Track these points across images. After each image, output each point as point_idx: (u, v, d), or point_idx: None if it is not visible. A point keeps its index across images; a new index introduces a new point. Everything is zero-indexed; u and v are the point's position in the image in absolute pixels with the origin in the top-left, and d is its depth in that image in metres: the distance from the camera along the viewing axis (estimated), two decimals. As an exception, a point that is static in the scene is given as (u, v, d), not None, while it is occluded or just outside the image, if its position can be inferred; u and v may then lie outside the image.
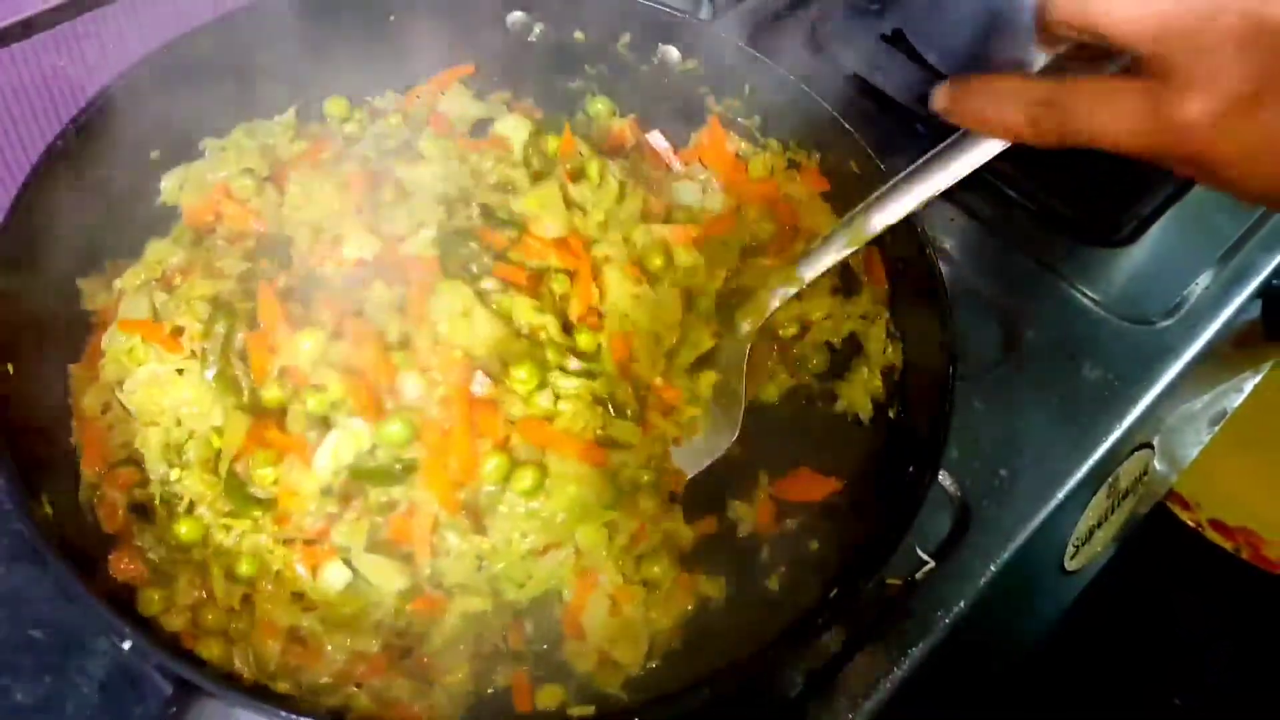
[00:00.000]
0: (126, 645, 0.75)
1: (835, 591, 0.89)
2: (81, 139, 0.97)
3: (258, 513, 0.90)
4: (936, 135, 0.92)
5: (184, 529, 0.90)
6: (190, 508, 0.91)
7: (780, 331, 1.08)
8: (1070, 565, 1.27)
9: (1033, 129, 0.78)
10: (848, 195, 1.06)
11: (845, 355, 1.10)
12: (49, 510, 0.83)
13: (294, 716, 0.72)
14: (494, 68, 1.18)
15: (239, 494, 0.90)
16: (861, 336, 1.08)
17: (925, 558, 1.10)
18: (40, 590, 1.05)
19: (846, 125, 1.05)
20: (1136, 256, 1.41)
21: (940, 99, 0.84)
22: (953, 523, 1.14)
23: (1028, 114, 0.77)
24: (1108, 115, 0.73)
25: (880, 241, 1.03)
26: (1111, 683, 1.13)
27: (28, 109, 1.15)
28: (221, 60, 1.06)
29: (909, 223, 0.97)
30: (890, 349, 1.05)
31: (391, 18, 1.13)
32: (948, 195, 1.39)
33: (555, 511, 0.92)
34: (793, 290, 0.99)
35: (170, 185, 1.08)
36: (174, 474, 0.92)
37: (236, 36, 1.06)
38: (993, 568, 1.12)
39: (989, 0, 1.36)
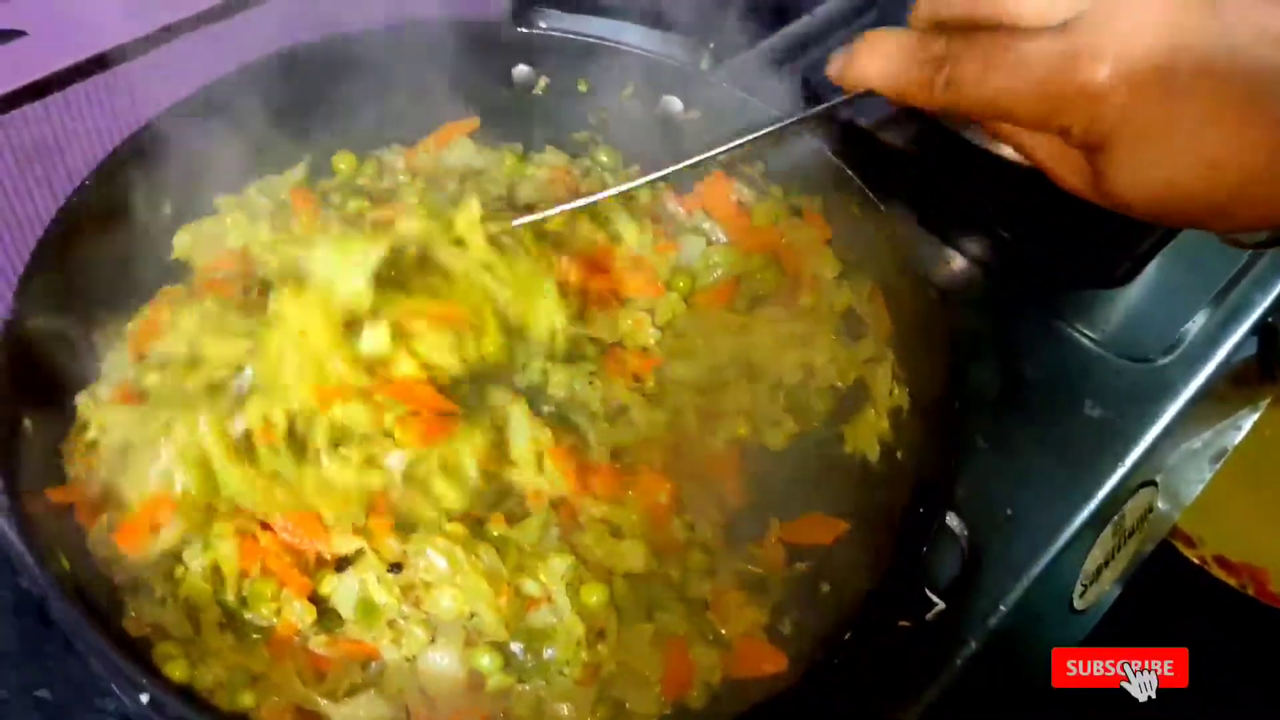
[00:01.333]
0: (145, 698, 0.74)
1: (849, 634, 0.89)
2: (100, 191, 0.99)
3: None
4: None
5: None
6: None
7: (785, 378, 1.09)
8: (1079, 604, 1.27)
9: (924, 90, 0.70)
10: (851, 239, 1.08)
11: (851, 399, 1.10)
12: (65, 564, 0.83)
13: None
14: (500, 120, 1.20)
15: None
16: (868, 379, 1.09)
17: (935, 599, 1.09)
18: (48, 648, 1.05)
19: (846, 169, 1.07)
20: (1133, 296, 1.43)
21: (832, 65, 0.77)
22: (961, 563, 1.14)
23: (920, 73, 0.70)
24: (1006, 74, 0.66)
25: (883, 283, 1.05)
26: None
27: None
28: (232, 116, 1.08)
29: (910, 265, 0.99)
30: (896, 391, 1.06)
31: (398, 71, 1.15)
32: (944, 238, 1.44)
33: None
34: None
35: (183, 241, 1.09)
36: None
37: (246, 92, 1.08)
38: (1003, 607, 1.12)
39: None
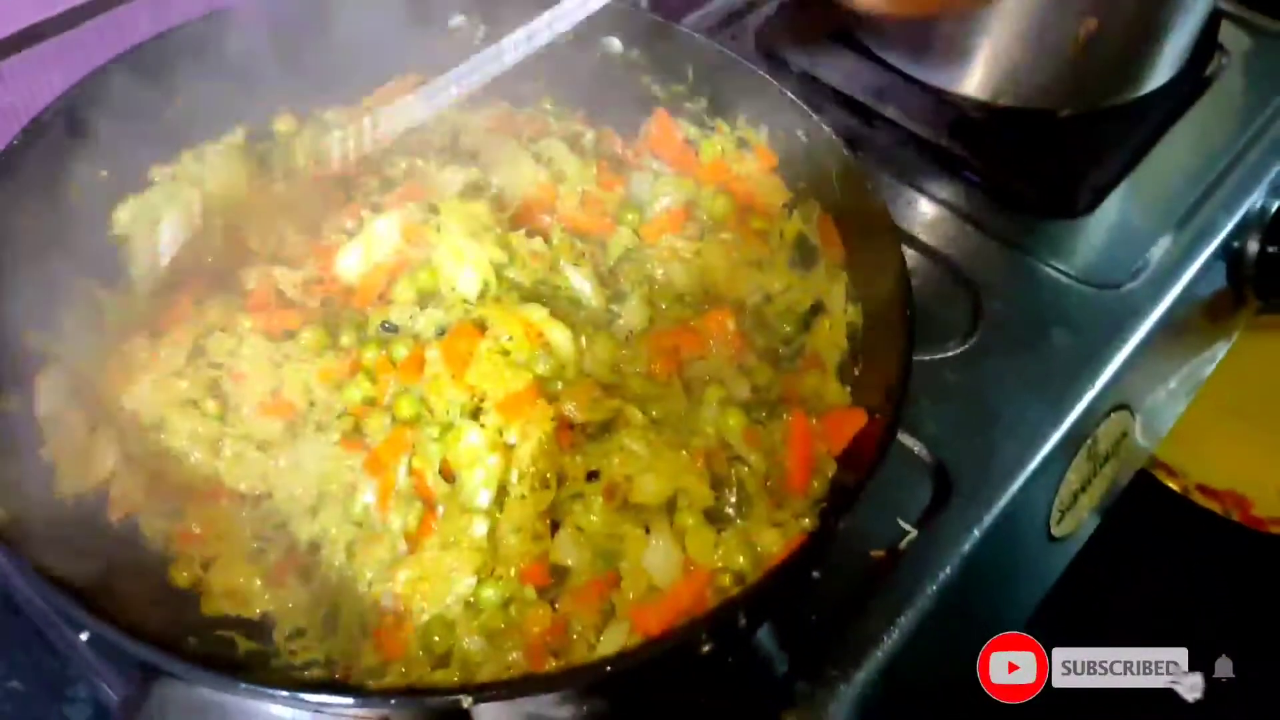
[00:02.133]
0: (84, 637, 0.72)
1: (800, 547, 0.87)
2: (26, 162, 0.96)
3: None
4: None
5: None
6: None
7: (746, 299, 1.07)
8: (1056, 531, 1.25)
9: None
10: (796, 166, 1.06)
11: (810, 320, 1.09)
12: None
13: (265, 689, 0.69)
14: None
15: None
16: (825, 301, 1.07)
17: (908, 527, 1.08)
18: (15, 637, 1.03)
19: (789, 94, 1.05)
20: (1096, 225, 1.42)
21: None
22: (934, 492, 1.13)
23: None
24: None
25: (834, 207, 1.04)
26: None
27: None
28: (159, 83, 1.06)
29: (859, 176, 0.97)
30: (851, 310, 1.04)
31: (334, 30, 1.13)
32: (909, 180, 1.44)
33: None
34: None
35: (123, 218, 1.06)
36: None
37: (173, 56, 1.06)
38: (976, 532, 1.11)
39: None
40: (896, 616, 1.04)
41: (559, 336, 0.95)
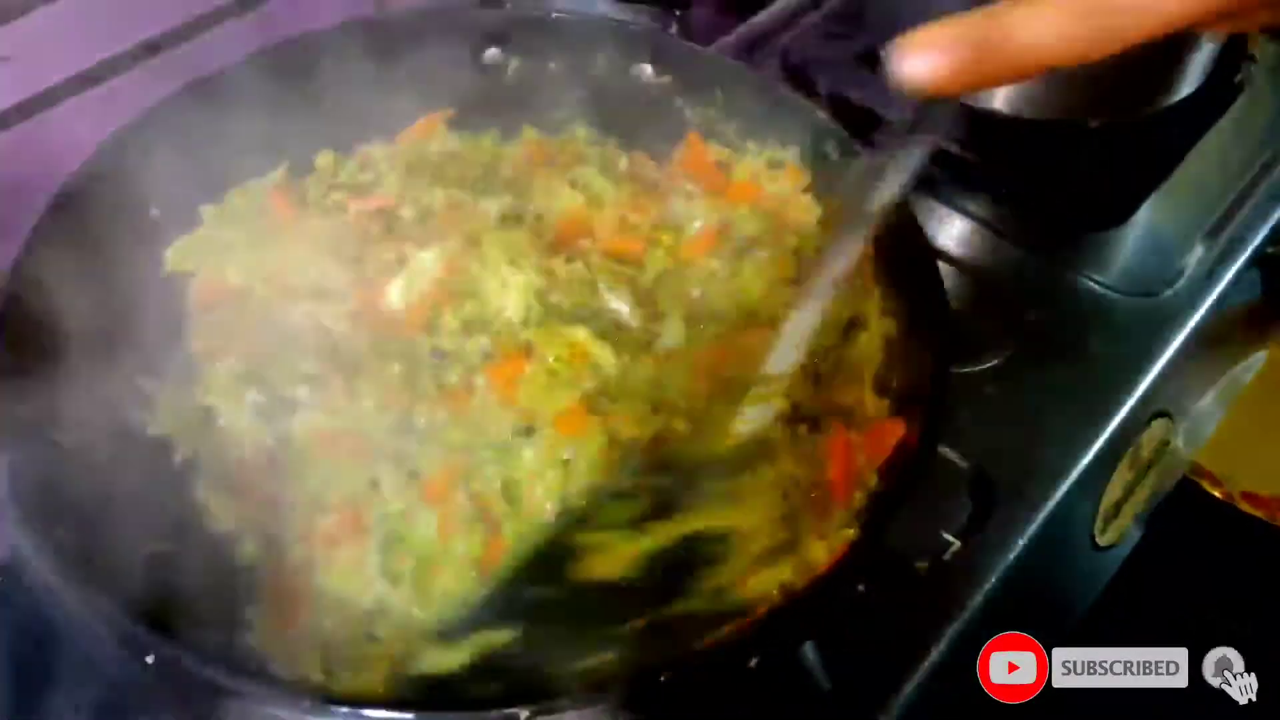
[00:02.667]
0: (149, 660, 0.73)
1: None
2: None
3: None
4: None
5: None
6: None
7: (778, 315, 1.07)
8: (1101, 540, 1.25)
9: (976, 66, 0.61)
10: (830, 182, 1.08)
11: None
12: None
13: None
14: (477, 107, 1.21)
15: None
16: (860, 311, 1.08)
17: (950, 539, 1.08)
18: (65, 673, 1.04)
19: (817, 111, 1.07)
20: (1130, 236, 1.42)
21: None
22: (976, 504, 1.12)
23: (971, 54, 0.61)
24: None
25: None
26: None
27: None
28: (202, 127, 1.08)
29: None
30: (886, 322, 1.05)
31: (370, 67, 1.16)
32: (940, 197, 1.45)
33: None
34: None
35: (174, 255, 1.09)
36: None
37: (219, 99, 1.09)
38: (1021, 541, 1.11)
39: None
40: (943, 629, 1.04)
41: (603, 354, 0.96)
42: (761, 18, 1.64)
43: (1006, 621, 1.11)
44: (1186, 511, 1.50)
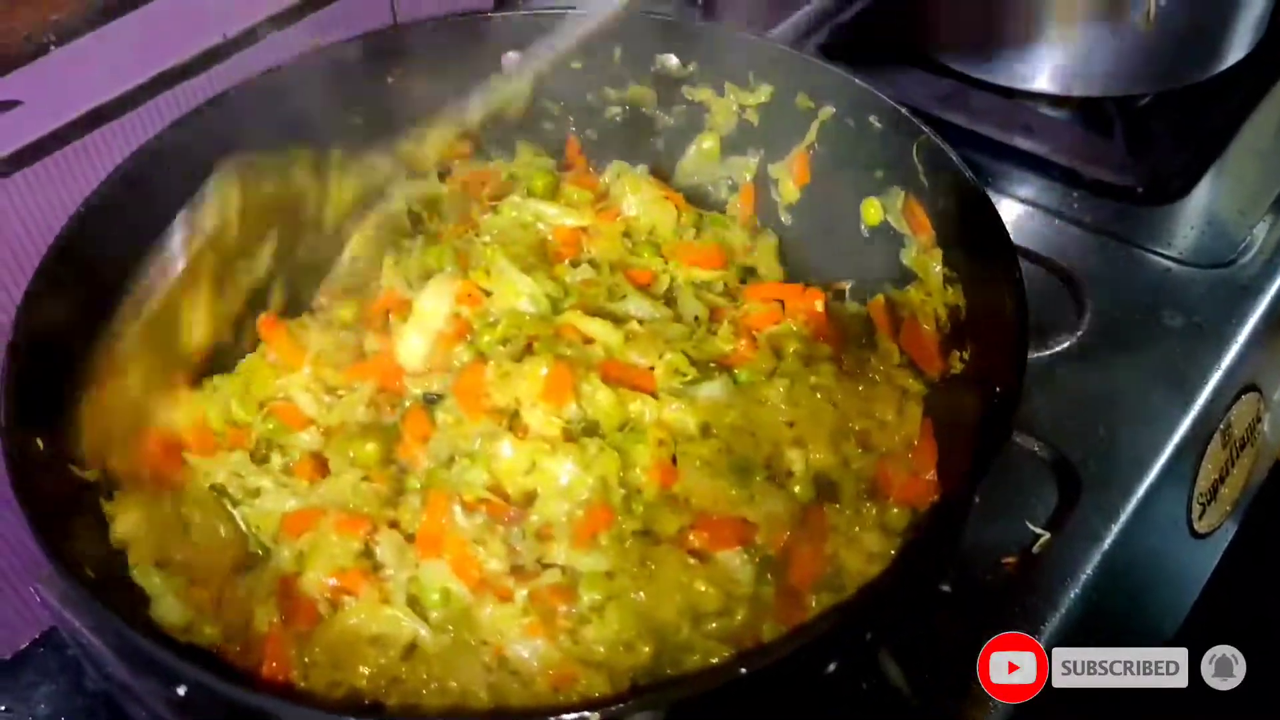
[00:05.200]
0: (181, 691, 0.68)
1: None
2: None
3: None
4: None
5: None
6: None
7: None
8: (1200, 526, 1.16)
9: None
10: (878, 154, 1.03)
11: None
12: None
13: None
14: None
15: None
16: (918, 270, 1.03)
17: (1038, 530, 1.00)
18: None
19: (857, 80, 1.01)
20: (1193, 207, 1.35)
21: None
22: (1060, 491, 1.04)
23: None
24: None
25: (922, 193, 0.99)
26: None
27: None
28: (224, 137, 1.05)
29: (954, 168, 0.93)
30: (951, 291, 0.98)
31: (389, 79, 1.12)
32: (989, 184, 1.38)
33: None
34: None
35: None
36: None
37: (233, 113, 1.05)
38: (1114, 528, 1.03)
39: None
40: (1040, 625, 0.96)
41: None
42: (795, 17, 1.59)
43: (1106, 617, 1.02)
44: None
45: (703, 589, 0.82)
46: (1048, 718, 0.93)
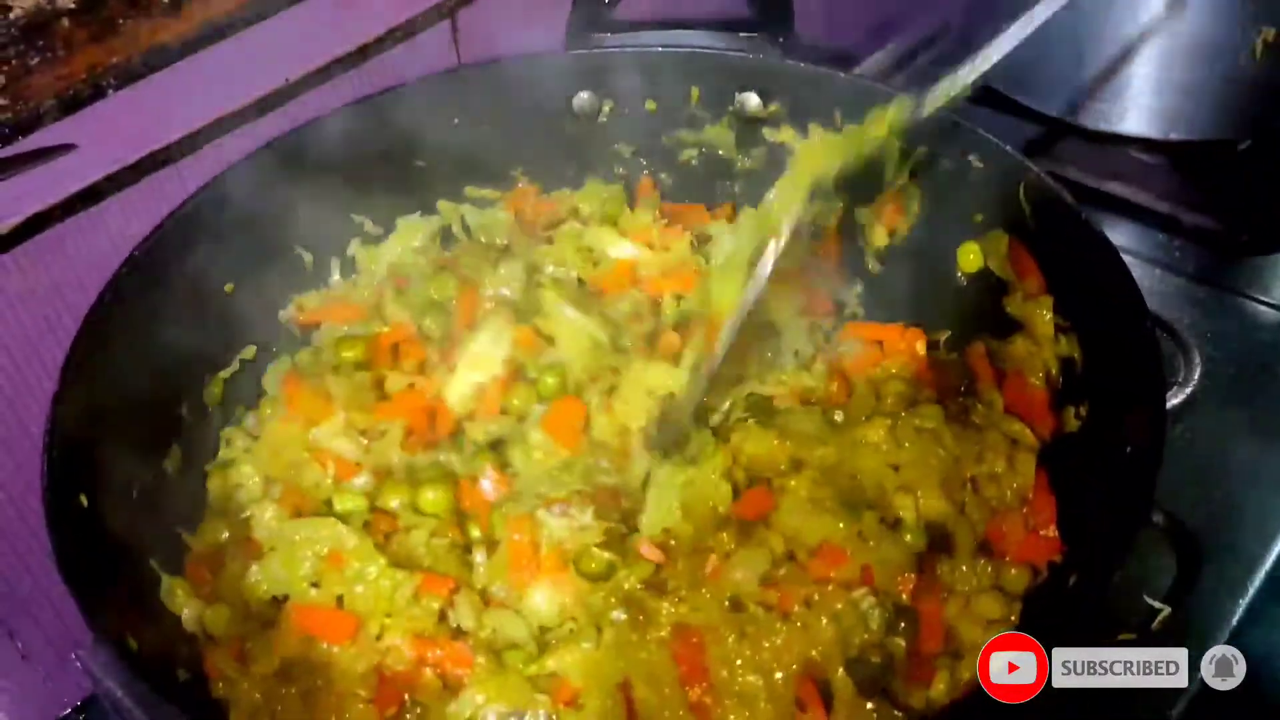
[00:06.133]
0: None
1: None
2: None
3: None
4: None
5: None
6: None
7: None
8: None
9: None
10: (979, 198, 0.96)
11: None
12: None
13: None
14: (571, 153, 1.13)
15: None
16: (1024, 318, 0.95)
17: (1157, 605, 0.92)
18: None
19: (954, 117, 0.94)
20: (1300, 256, 1.27)
21: None
22: (1180, 561, 0.96)
23: None
24: None
25: (1028, 236, 0.92)
26: None
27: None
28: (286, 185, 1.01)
29: (1069, 208, 0.88)
30: (1064, 341, 0.91)
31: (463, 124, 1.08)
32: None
33: None
34: None
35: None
36: None
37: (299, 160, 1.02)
38: (1243, 601, 0.93)
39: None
40: (1167, 710, 0.87)
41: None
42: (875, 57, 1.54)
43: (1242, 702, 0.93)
44: None
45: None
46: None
